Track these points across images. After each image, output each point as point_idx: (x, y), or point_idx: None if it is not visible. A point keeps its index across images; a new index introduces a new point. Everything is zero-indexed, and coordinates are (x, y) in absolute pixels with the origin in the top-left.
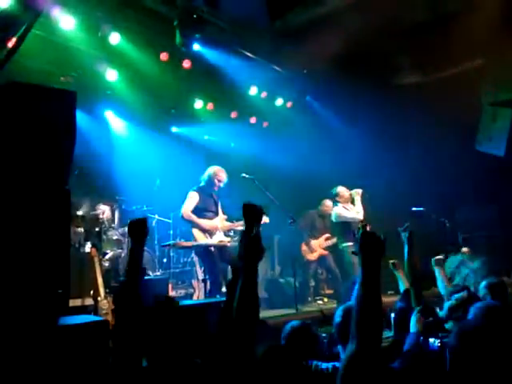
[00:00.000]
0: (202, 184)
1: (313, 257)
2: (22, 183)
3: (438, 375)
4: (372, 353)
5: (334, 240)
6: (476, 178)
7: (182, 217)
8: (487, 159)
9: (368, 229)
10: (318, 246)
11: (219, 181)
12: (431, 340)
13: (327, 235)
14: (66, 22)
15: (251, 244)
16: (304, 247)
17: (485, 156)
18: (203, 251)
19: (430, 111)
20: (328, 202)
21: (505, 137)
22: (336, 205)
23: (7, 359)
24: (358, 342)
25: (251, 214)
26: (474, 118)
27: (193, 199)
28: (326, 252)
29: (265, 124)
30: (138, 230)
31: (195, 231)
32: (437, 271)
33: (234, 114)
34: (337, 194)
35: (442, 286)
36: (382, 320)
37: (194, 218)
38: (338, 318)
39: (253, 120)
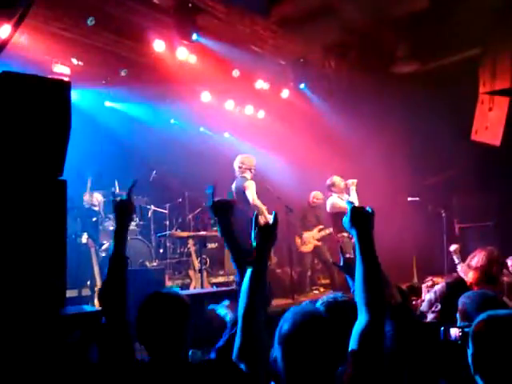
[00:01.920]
0: (247, 174)
1: (307, 249)
2: (17, 174)
3: (459, 365)
4: (384, 321)
5: (328, 231)
6: (472, 168)
7: (251, 204)
8: (483, 148)
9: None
10: (311, 238)
11: (253, 167)
12: (452, 330)
13: (320, 226)
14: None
15: (268, 229)
16: (297, 240)
17: (481, 145)
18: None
19: (428, 100)
20: (316, 193)
21: (501, 126)
22: (331, 195)
23: (6, 352)
24: (371, 312)
25: (220, 209)
26: (471, 106)
27: (254, 188)
28: (319, 243)
29: (263, 115)
30: (126, 211)
31: (262, 218)
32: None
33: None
34: (332, 184)
35: None
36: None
37: (261, 205)
38: (285, 326)
39: (249, 110)
